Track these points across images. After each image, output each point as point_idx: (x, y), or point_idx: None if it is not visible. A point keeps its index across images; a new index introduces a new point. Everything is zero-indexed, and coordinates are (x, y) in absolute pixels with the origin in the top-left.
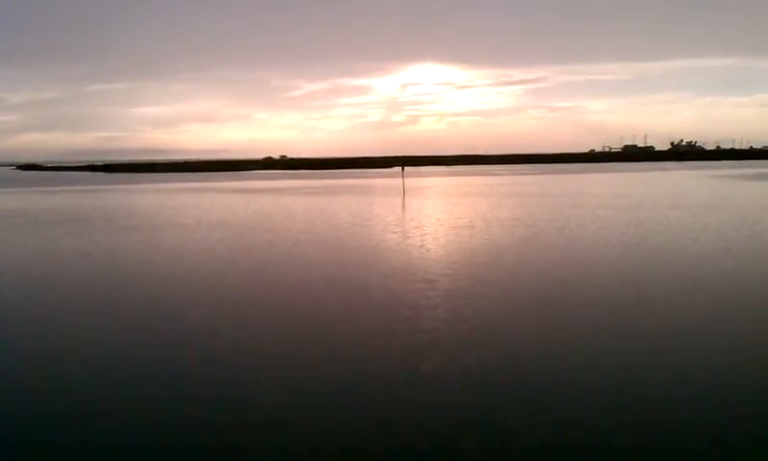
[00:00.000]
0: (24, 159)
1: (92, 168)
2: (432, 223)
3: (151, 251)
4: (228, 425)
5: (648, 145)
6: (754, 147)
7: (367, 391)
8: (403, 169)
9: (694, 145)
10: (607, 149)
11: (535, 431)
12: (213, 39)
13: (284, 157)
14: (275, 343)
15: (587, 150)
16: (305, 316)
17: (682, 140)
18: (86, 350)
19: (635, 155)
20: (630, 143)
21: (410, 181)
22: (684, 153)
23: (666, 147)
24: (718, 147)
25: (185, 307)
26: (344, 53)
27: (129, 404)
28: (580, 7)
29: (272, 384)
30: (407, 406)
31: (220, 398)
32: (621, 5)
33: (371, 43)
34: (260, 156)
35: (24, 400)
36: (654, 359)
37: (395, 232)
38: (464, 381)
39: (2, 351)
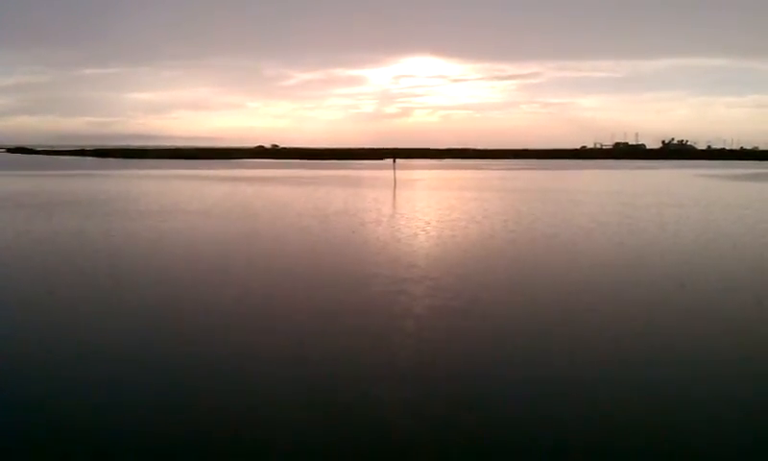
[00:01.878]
0: (15, 143)
1: (82, 153)
2: (422, 216)
3: (131, 238)
4: (218, 421)
5: (639, 143)
6: (744, 148)
7: (355, 384)
8: (395, 162)
9: (685, 144)
10: (598, 146)
11: (528, 429)
12: (206, 27)
13: (276, 146)
14: (260, 332)
15: (578, 146)
16: (287, 308)
17: (673, 139)
18: (69, 340)
19: (625, 152)
20: (621, 140)
21: (401, 174)
22: (675, 151)
23: (657, 145)
24: (709, 147)
25: (168, 294)
26: (337, 43)
27: (118, 399)
28: (574, 3)
29: (260, 376)
30: (399, 402)
31: (210, 394)
32: (616, 2)
33: (364, 34)
34: (252, 144)
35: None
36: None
37: (384, 225)
38: (453, 375)
39: None
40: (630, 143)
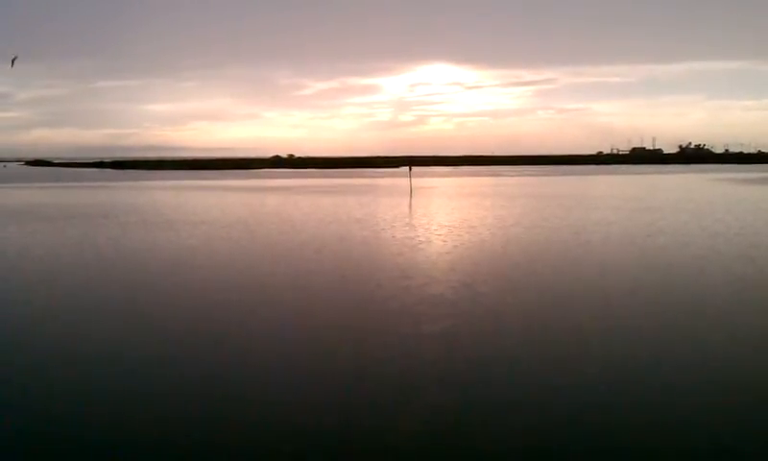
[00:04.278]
0: (33, 155)
1: (101, 165)
2: (438, 225)
3: (150, 247)
4: (227, 424)
5: (656, 148)
6: (762, 151)
7: (366, 388)
8: (410, 169)
9: (702, 148)
10: (615, 151)
11: (536, 433)
12: (221, 37)
13: (292, 155)
14: (273, 339)
15: (594, 152)
16: (306, 315)
17: (690, 143)
18: (81, 346)
19: (642, 157)
20: (638, 145)
21: (417, 182)
22: (692, 156)
23: (675, 150)
24: (726, 150)
25: (183, 303)
26: (352, 52)
27: (126, 401)
28: (589, 9)
29: (270, 382)
30: (405, 406)
31: (219, 396)
32: (631, 7)
33: (379, 42)
34: (268, 154)
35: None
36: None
37: (401, 233)
38: (464, 380)
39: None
40: (647, 148)
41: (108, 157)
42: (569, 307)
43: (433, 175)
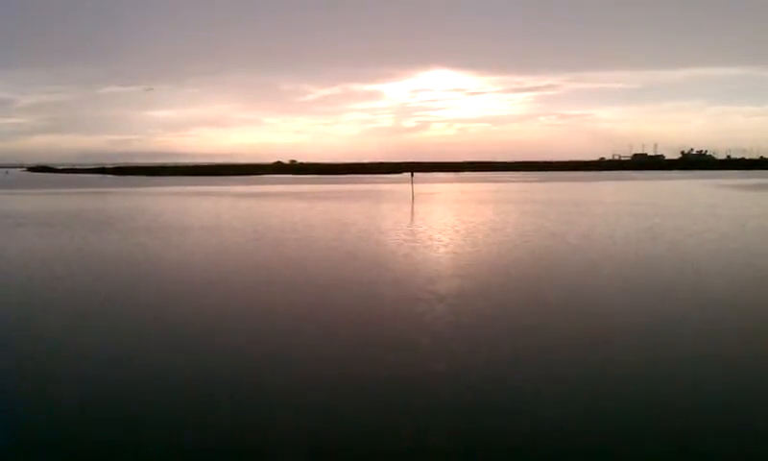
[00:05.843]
0: (35, 161)
1: (103, 170)
2: (438, 230)
3: (149, 254)
4: (234, 428)
5: (658, 154)
6: (764, 156)
7: (366, 392)
8: (412, 175)
9: (704, 154)
10: (617, 157)
11: (536, 436)
12: (224, 44)
13: (294, 161)
14: (279, 343)
15: (596, 158)
16: (305, 319)
17: (692, 149)
18: (81, 351)
19: (644, 163)
20: (640, 152)
21: (419, 188)
22: (694, 162)
23: (677, 156)
24: (728, 156)
25: (187, 310)
26: (354, 58)
27: (132, 406)
28: (591, 15)
29: (276, 385)
30: (407, 409)
31: (227, 399)
32: (633, 13)
33: (381, 49)
34: (270, 160)
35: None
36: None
37: (405, 241)
38: (464, 385)
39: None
40: (649, 154)
41: (110, 163)
42: (575, 308)
43: (435, 181)
